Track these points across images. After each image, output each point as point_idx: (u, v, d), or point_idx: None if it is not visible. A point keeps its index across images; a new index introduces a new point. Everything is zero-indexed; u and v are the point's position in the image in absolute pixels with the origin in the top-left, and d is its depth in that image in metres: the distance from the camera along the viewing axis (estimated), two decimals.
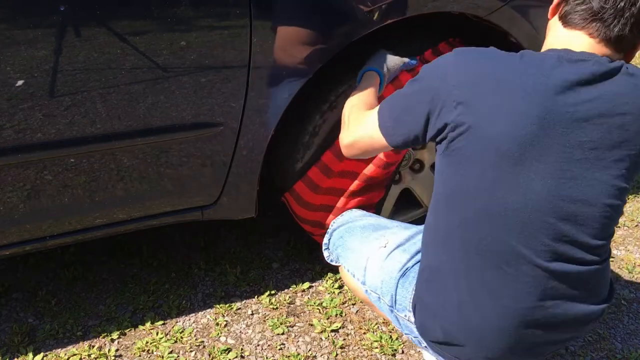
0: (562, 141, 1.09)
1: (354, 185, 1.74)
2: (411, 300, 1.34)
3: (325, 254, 1.61)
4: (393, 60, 1.60)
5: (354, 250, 1.51)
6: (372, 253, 1.46)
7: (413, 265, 1.38)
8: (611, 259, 2.08)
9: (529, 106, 1.08)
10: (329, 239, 1.60)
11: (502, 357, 1.24)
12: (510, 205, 1.12)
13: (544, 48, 1.22)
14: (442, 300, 1.24)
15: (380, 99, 1.54)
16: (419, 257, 1.38)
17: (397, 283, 1.38)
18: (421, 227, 1.38)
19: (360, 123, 1.34)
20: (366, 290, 1.47)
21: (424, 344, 1.34)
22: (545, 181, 1.11)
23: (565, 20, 1.18)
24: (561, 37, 1.19)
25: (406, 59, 1.64)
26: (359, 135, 1.34)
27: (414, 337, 1.38)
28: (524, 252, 1.14)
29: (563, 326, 1.22)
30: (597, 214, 1.13)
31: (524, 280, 1.16)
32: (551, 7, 1.23)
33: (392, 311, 1.41)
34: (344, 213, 1.63)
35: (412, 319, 1.34)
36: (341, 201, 1.80)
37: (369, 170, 1.72)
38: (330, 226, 1.62)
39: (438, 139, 1.18)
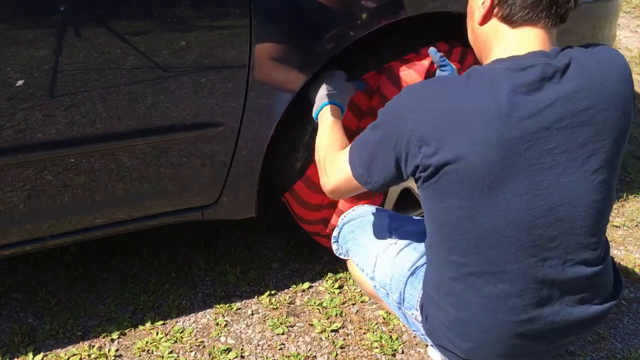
0: (530, 155, 1.08)
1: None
2: (419, 300, 1.35)
3: (334, 247, 1.61)
4: (345, 86, 1.58)
5: (364, 246, 1.51)
6: (382, 250, 1.47)
7: (423, 265, 1.39)
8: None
9: (488, 131, 1.06)
10: (339, 232, 1.59)
11: None
12: (493, 227, 1.12)
13: (490, 56, 1.17)
14: (444, 317, 1.25)
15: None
16: None
17: (407, 281, 1.39)
18: None
19: (336, 169, 1.32)
20: (375, 286, 1.48)
21: (431, 342, 1.35)
22: (521, 197, 1.10)
23: (511, 20, 1.13)
24: (507, 39, 1.14)
25: (352, 83, 1.62)
26: (339, 182, 1.32)
27: (422, 335, 1.39)
28: (515, 268, 1.14)
29: (565, 331, 1.22)
30: (583, 212, 1.12)
31: (518, 294, 1.16)
32: (483, 12, 1.16)
33: (400, 308, 1.42)
34: (354, 207, 1.62)
35: (420, 318, 1.35)
36: (341, 203, 1.80)
37: None
38: (340, 220, 1.62)
39: (415, 177, 1.18)
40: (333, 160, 1.35)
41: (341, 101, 1.53)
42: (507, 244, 1.13)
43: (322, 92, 1.55)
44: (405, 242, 1.45)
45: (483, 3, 1.16)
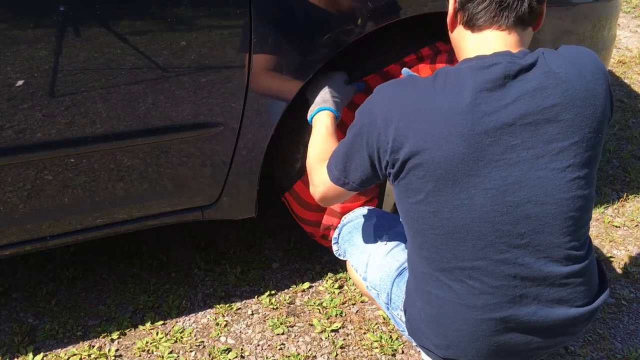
0: (493, 150, 1.10)
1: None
2: (404, 301, 1.36)
3: (334, 248, 1.63)
4: (343, 89, 1.59)
5: (358, 247, 1.53)
6: (373, 250, 1.48)
7: None
8: (611, 259, 2.08)
9: (451, 126, 1.09)
10: (339, 234, 1.62)
11: None
12: (458, 222, 1.13)
13: (460, 59, 1.22)
14: (423, 316, 1.26)
15: (340, 124, 1.56)
16: None
17: (394, 282, 1.40)
18: None
19: (320, 177, 1.36)
20: (367, 286, 1.49)
21: (415, 343, 1.36)
22: (486, 193, 1.11)
23: (472, 25, 1.18)
24: (472, 43, 1.19)
25: (352, 85, 1.62)
26: (324, 191, 1.36)
27: (408, 336, 1.40)
28: (484, 264, 1.14)
29: (546, 331, 1.20)
30: (552, 210, 1.12)
31: (489, 291, 1.16)
32: (448, 21, 1.23)
33: (388, 309, 1.44)
34: (354, 210, 1.65)
35: (404, 319, 1.37)
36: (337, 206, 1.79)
37: None
38: (341, 221, 1.64)
39: (387, 175, 1.21)
40: (318, 169, 1.38)
41: (337, 107, 1.54)
42: (474, 239, 1.13)
43: (320, 96, 1.55)
44: (395, 242, 1.47)
45: (449, 13, 1.22)
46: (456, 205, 1.12)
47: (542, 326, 1.19)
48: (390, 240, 1.48)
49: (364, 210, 1.63)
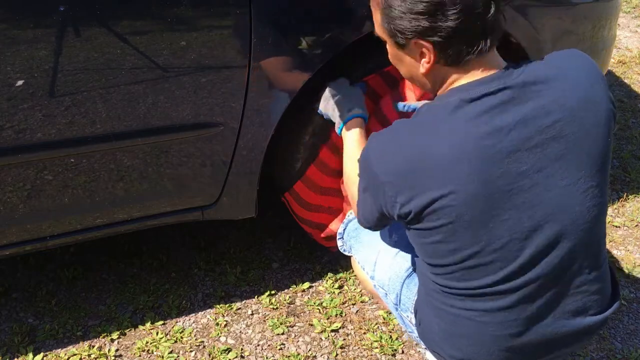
0: (504, 182, 1.06)
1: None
2: (414, 303, 1.35)
3: (339, 243, 1.62)
4: (355, 92, 1.57)
5: (365, 244, 1.52)
6: (382, 249, 1.47)
7: None
8: (611, 259, 2.08)
9: (456, 169, 1.05)
10: (344, 229, 1.61)
11: None
12: (478, 257, 1.12)
13: (441, 90, 1.15)
14: (437, 329, 1.25)
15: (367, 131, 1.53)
16: None
17: (403, 283, 1.39)
18: None
19: (355, 208, 1.33)
20: (374, 285, 1.48)
21: (425, 346, 1.35)
22: (503, 224, 1.09)
23: (458, 61, 1.09)
24: (456, 75, 1.11)
25: (357, 86, 1.62)
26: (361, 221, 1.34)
27: (416, 337, 1.39)
28: (504, 288, 1.14)
29: (559, 343, 1.21)
30: (569, 225, 1.11)
31: (508, 309, 1.15)
32: (427, 67, 1.12)
33: (397, 309, 1.43)
34: None
35: (414, 321, 1.35)
36: (339, 203, 1.80)
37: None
38: (347, 216, 1.63)
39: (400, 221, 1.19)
40: (353, 196, 1.36)
41: (362, 111, 1.52)
42: (495, 269, 1.12)
43: (339, 105, 1.52)
44: (404, 242, 1.45)
45: (424, 59, 1.12)
46: (475, 242, 1.10)
47: (555, 338, 1.18)
48: (399, 239, 1.47)
49: None
